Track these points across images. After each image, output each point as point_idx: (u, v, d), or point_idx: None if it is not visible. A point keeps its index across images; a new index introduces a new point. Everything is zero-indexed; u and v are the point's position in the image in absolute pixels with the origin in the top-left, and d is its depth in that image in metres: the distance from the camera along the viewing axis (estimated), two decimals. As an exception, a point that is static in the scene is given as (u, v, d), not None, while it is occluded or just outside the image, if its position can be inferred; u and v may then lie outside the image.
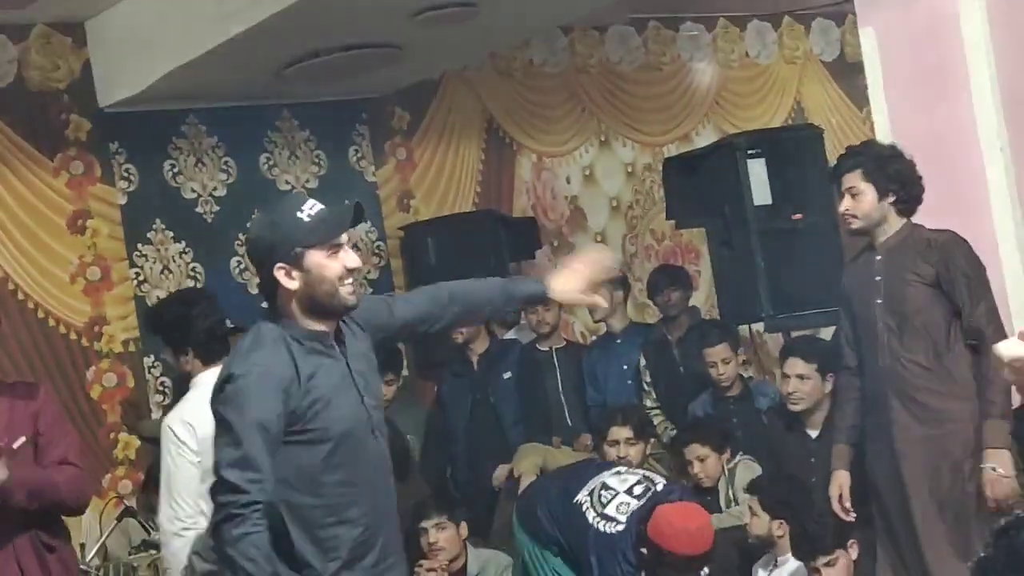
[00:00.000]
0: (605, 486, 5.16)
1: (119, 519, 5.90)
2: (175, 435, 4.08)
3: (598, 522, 5.01)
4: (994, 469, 4.54)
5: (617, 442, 5.98)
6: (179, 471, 4.07)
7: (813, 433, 5.63)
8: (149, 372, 7.76)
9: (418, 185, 8.84)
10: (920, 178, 4.75)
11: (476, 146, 9.02)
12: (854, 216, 4.78)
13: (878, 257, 4.79)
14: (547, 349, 7.21)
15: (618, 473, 5.24)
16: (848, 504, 4.91)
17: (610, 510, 5.04)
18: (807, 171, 6.72)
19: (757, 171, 6.59)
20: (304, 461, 3.27)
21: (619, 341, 7.11)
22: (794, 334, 6.70)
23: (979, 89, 5.04)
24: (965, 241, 4.68)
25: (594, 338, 8.10)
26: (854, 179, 4.75)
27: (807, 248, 6.59)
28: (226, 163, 8.17)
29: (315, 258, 3.30)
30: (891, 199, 4.74)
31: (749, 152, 6.61)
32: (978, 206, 5.00)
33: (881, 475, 4.82)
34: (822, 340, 6.30)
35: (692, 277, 8.46)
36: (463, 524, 5.80)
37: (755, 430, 6.18)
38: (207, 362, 4.29)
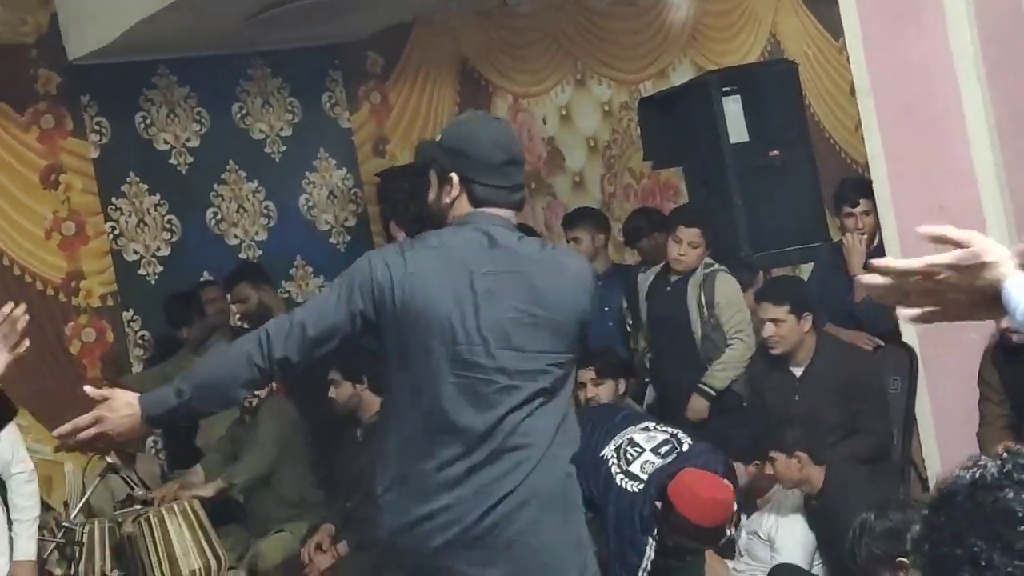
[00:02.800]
0: (632, 442, 5.14)
1: (102, 475, 5.87)
2: None
3: (622, 480, 5.01)
4: None
5: (584, 384, 5.98)
6: None
7: (797, 371, 5.64)
8: (128, 326, 7.73)
9: (393, 130, 8.77)
10: None
11: (451, 88, 8.95)
12: None
13: None
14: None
15: (646, 429, 5.21)
16: None
17: (635, 468, 5.03)
18: (782, 107, 6.68)
19: (732, 109, 6.55)
20: None
21: (600, 283, 7.05)
22: (774, 272, 6.68)
23: (955, 17, 4.98)
24: None
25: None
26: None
27: (785, 185, 6.56)
28: (199, 113, 8.10)
29: None
30: None
31: (724, 90, 6.57)
32: (955, 137, 4.96)
33: None
34: (794, 279, 6.28)
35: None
36: None
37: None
38: None
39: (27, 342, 2.33)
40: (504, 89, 9.15)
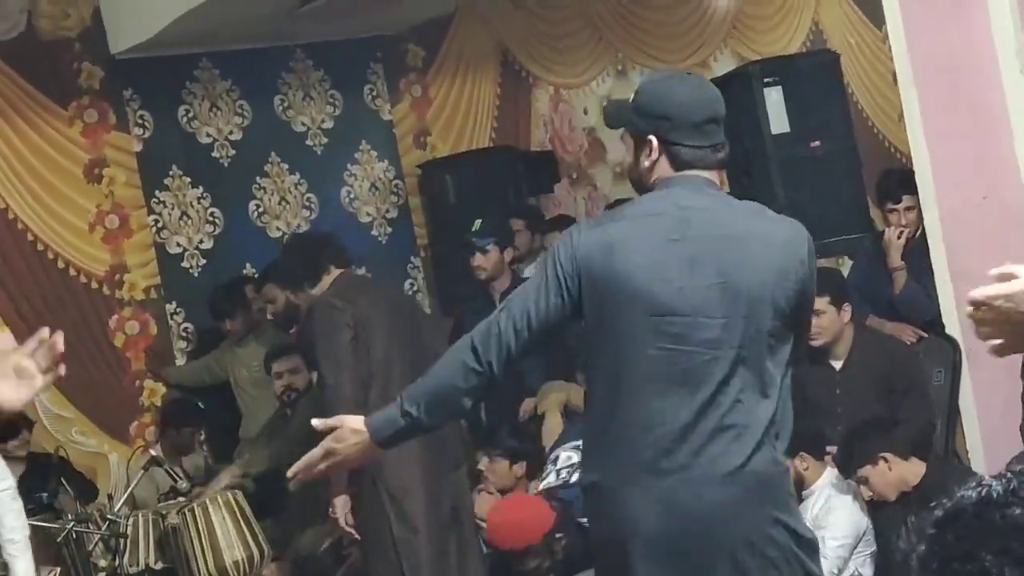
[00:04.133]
0: (555, 459, 5.21)
1: (146, 467, 5.92)
2: None
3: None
4: None
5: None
6: None
7: (837, 364, 5.60)
8: (172, 319, 7.78)
9: (434, 122, 8.79)
10: None
11: (492, 80, 8.95)
12: None
13: None
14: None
15: (578, 448, 5.23)
16: None
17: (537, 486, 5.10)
18: (824, 97, 6.63)
19: (774, 99, 6.50)
20: None
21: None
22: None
23: (997, 6, 4.94)
24: None
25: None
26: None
27: (827, 175, 6.52)
28: (240, 106, 8.14)
29: None
30: None
31: (765, 81, 6.52)
32: (998, 127, 4.91)
33: None
34: (833, 271, 6.23)
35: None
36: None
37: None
38: None
39: (63, 369, 2.32)
40: (545, 80, 9.15)
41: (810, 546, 3.19)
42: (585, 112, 9.29)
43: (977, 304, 2.14)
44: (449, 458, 5.31)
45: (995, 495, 1.19)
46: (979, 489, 1.21)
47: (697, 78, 3.44)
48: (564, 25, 9.22)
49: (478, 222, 6.89)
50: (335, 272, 5.43)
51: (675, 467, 3.04)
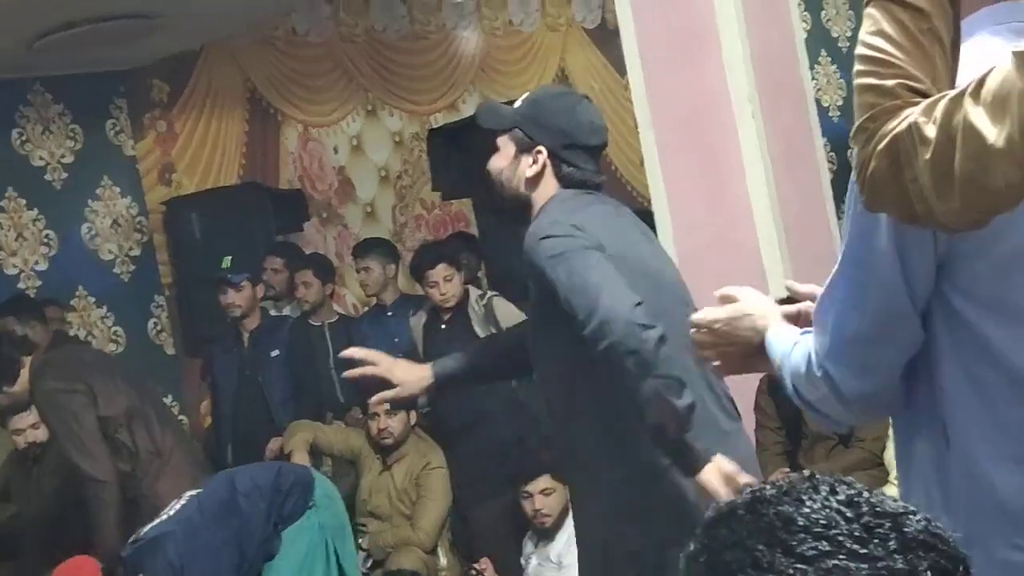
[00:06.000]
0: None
1: None
2: None
3: None
4: None
5: (377, 414, 6.02)
6: None
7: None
8: None
9: (180, 158, 8.63)
10: None
11: (239, 117, 8.85)
12: None
13: None
14: (319, 324, 7.14)
15: None
16: None
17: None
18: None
19: (520, 140, 6.63)
20: None
21: (390, 313, 7.08)
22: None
23: (730, 53, 5.13)
24: None
25: (366, 309, 8.05)
26: None
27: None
28: (-26, 139, 7.86)
29: None
30: None
31: (511, 121, 6.64)
32: (732, 171, 5.11)
33: None
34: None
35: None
36: None
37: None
38: None
39: None
40: (294, 118, 9.10)
41: None
42: (335, 151, 9.27)
43: (698, 327, 2.21)
44: None
45: (768, 495, 1.24)
46: (753, 491, 1.26)
47: (591, 103, 3.38)
48: (313, 65, 9.19)
49: (227, 259, 6.80)
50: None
51: None
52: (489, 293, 6.38)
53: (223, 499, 4.70)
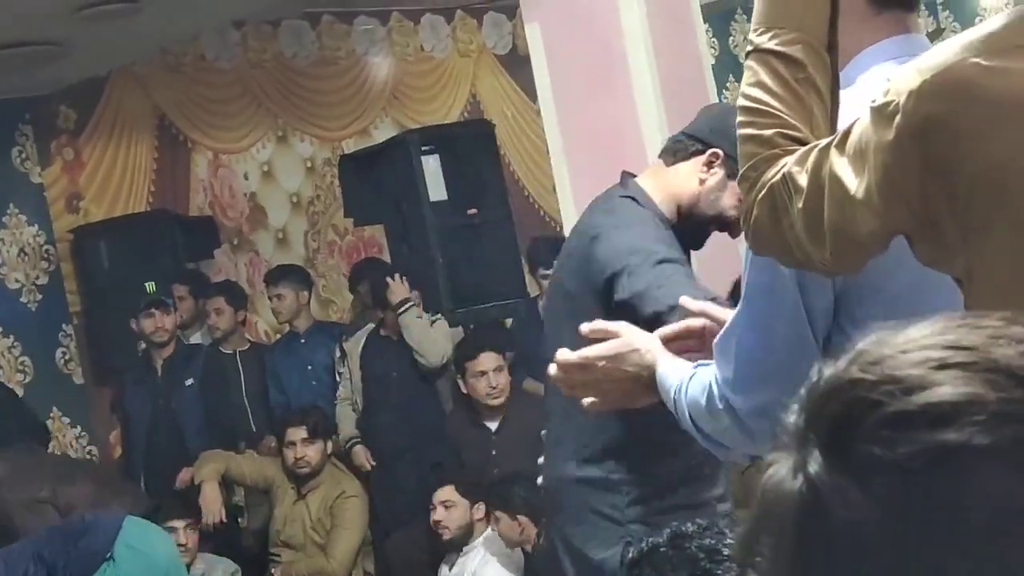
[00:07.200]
0: None
1: None
2: None
3: None
4: None
5: (294, 443, 5.95)
6: None
7: (492, 426, 5.72)
8: None
9: (88, 186, 8.53)
10: None
11: (148, 144, 8.76)
12: None
13: None
14: (231, 352, 7.09)
15: None
16: None
17: None
18: (481, 166, 6.82)
19: (432, 167, 6.64)
20: None
21: (303, 341, 7.05)
22: (473, 327, 6.78)
23: (639, 80, 5.18)
24: None
25: (278, 337, 8.01)
26: None
27: (484, 242, 6.68)
28: None
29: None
30: None
31: (423, 148, 6.66)
32: (643, 197, 5.14)
33: None
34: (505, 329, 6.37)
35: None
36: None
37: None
38: None
39: None
40: (203, 145, 9.03)
41: None
42: (246, 177, 9.20)
43: (568, 365, 2.17)
44: None
45: (687, 530, 1.26)
46: (671, 529, 1.28)
47: None
48: (223, 91, 9.13)
49: (151, 284, 6.78)
50: None
51: None
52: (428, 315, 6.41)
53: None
